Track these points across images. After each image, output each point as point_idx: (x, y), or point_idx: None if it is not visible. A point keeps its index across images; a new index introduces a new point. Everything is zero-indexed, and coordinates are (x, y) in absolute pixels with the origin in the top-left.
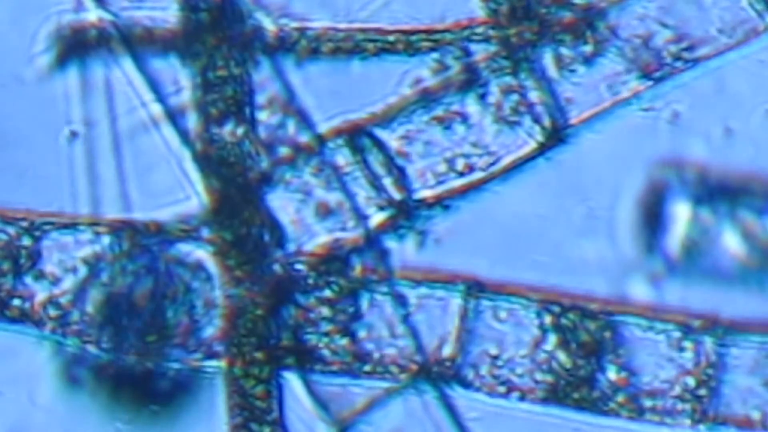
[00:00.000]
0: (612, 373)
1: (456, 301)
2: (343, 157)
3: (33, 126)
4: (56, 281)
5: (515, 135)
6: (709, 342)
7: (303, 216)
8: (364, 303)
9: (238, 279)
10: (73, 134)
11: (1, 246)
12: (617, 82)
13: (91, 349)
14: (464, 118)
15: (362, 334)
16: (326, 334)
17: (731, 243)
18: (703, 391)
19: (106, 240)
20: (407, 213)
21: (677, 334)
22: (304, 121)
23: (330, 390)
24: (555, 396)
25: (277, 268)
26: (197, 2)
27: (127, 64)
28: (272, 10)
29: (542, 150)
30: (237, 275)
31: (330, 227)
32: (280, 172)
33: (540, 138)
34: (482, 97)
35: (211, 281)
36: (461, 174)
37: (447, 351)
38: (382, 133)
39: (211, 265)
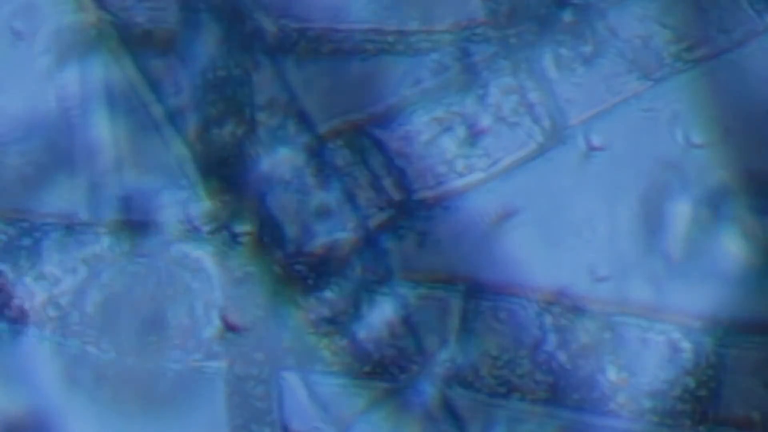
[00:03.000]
0: (612, 374)
1: (456, 302)
2: (343, 157)
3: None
4: (56, 282)
5: (515, 136)
6: (709, 343)
7: (303, 216)
8: (364, 303)
9: (237, 279)
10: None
11: (1, 246)
12: (617, 82)
13: (91, 349)
14: (464, 118)
15: (362, 334)
16: (326, 335)
17: (731, 243)
18: (702, 392)
19: (106, 240)
20: (407, 213)
21: (677, 334)
22: (304, 121)
23: (330, 390)
24: (555, 396)
25: (276, 268)
26: (197, 2)
27: (127, 64)
28: (272, 10)
29: (542, 150)
30: (236, 276)
31: (330, 227)
32: (280, 171)
33: (540, 138)
34: (482, 97)
35: (211, 281)
36: (461, 175)
37: (447, 351)
38: (382, 134)
39: (211, 265)
